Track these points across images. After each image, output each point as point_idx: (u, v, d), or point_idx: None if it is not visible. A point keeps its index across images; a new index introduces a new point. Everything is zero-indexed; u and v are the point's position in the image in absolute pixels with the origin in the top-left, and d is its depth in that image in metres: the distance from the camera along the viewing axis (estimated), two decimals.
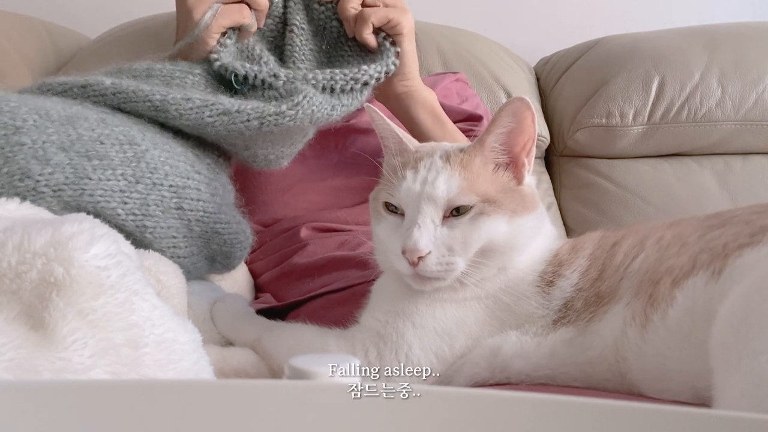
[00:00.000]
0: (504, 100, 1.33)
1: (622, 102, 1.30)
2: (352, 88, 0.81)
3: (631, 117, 1.30)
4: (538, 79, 1.53)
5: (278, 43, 0.89)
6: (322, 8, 0.88)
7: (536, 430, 0.28)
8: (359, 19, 0.84)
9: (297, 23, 0.86)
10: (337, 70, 0.81)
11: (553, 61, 1.52)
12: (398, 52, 0.86)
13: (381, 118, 0.68)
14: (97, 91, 0.73)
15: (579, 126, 1.34)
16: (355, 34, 0.86)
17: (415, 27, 0.90)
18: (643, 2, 1.72)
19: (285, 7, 0.88)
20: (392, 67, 0.85)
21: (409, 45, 0.87)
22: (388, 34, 0.86)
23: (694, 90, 1.29)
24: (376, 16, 0.84)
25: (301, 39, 0.86)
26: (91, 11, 1.59)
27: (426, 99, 0.93)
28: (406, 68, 0.88)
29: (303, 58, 0.86)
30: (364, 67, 0.82)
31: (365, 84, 0.82)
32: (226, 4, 0.82)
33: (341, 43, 0.88)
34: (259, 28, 0.88)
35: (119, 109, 0.73)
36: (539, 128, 1.31)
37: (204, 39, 0.81)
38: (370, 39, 0.85)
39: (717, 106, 1.29)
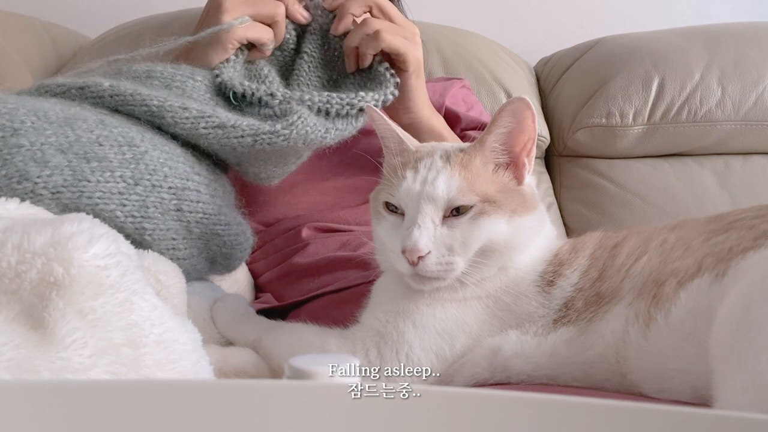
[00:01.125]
0: (504, 100, 1.33)
1: (622, 102, 1.30)
2: (347, 113, 0.81)
3: (631, 117, 1.30)
4: (538, 79, 1.53)
5: (287, 69, 0.89)
6: (338, 40, 0.88)
7: (536, 430, 0.28)
8: (373, 37, 0.82)
9: (308, 51, 0.87)
10: (334, 94, 0.80)
11: (553, 61, 1.52)
12: (398, 83, 0.85)
13: (381, 118, 0.68)
14: (95, 93, 0.72)
15: (579, 126, 1.34)
16: (359, 48, 0.84)
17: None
18: (643, 2, 1.72)
19: (302, 34, 0.88)
20: (390, 97, 0.83)
21: (416, 81, 0.86)
22: (392, 64, 0.85)
23: (694, 90, 1.29)
24: (387, 43, 0.81)
25: (310, 66, 0.87)
26: (91, 11, 1.59)
27: (433, 127, 0.92)
28: (409, 102, 0.88)
29: (309, 83, 0.86)
30: (362, 93, 0.81)
31: (360, 110, 0.81)
32: (256, 20, 0.82)
33: (349, 76, 0.88)
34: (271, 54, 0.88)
35: (117, 110, 0.73)
36: (539, 128, 1.31)
37: (223, 42, 0.81)
38: (369, 58, 0.84)
39: (717, 106, 1.29)
